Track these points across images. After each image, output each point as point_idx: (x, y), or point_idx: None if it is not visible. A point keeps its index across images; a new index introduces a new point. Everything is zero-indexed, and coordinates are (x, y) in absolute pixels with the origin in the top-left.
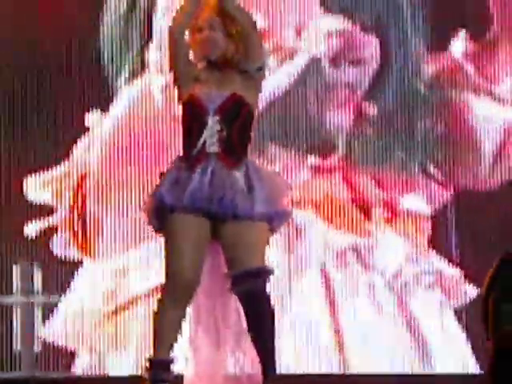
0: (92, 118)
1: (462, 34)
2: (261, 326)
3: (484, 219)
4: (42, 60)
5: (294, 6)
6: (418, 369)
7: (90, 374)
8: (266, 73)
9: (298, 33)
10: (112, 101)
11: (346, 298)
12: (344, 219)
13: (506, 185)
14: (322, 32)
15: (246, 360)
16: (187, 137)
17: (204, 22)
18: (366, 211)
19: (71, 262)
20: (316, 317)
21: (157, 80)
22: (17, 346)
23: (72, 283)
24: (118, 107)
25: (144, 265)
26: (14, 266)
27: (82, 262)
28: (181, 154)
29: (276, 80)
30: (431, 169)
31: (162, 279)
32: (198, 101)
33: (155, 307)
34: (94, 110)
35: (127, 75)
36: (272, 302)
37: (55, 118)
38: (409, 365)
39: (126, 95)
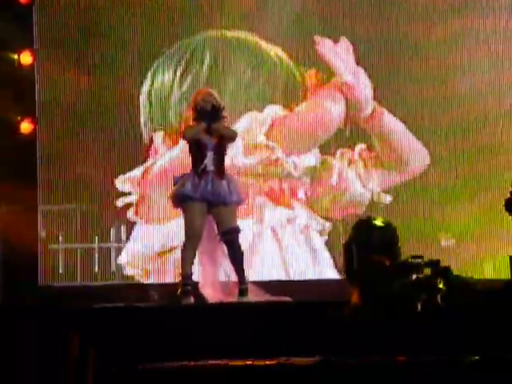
0: (157, 140)
1: None
2: (237, 257)
3: None
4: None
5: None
6: (312, 275)
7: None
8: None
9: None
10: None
11: (285, 240)
12: (279, 200)
13: None
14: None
15: (230, 273)
16: (196, 162)
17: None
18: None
19: (135, 224)
20: (271, 251)
21: None
22: (112, 267)
23: (134, 236)
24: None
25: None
26: (112, 229)
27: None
28: (188, 172)
29: None
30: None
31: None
32: (203, 143)
33: (182, 247)
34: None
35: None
36: (242, 247)
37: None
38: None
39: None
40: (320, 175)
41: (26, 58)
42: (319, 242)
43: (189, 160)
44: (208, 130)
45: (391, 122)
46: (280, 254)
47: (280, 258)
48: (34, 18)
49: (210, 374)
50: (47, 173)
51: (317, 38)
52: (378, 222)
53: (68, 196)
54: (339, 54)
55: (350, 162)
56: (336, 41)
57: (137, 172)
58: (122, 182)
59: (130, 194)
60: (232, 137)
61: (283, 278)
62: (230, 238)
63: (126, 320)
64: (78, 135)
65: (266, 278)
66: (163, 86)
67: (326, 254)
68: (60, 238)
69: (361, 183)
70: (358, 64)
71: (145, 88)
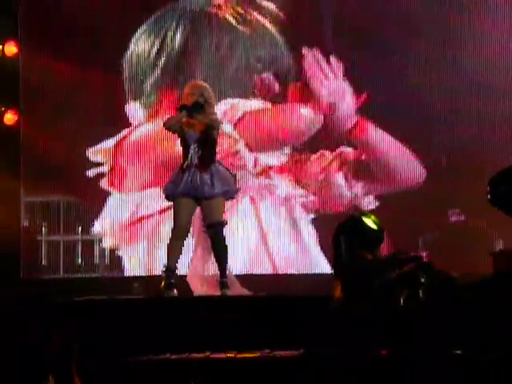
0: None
1: None
2: (219, 250)
3: None
4: None
5: None
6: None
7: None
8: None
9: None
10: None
11: (264, 210)
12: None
13: None
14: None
15: (213, 267)
16: (184, 156)
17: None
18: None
19: (108, 193)
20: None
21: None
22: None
23: (107, 205)
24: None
25: (152, 198)
26: (95, 220)
27: (111, 194)
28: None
29: None
30: None
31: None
32: (186, 137)
33: (169, 241)
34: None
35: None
36: (226, 240)
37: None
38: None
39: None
40: (311, 167)
41: (10, 49)
42: (303, 215)
43: (163, 134)
44: (189, 122)
45: (376, 136)
46: (259, 228)
47: (259, 232)
48: (19, 7)
49: (193, 367)
50: (30, 164)
51: (305, 51)
52: (368, 219)
53: (51, 187)
54: (324, 69)
55: (343, 163)
56: (327, 55)
57: (110, 142)
58: (94, 153)
59: (101, 164)
60: (213, 125)
61: (264, 256)
62: (212, 231)
63: (109, 312)
64: (61, 126)
65: (244, 255)
66: (142, 54)
67: (311, 230)
68: (43, 229)
69: (347, 185)
70: (346, 76)
71: (128, 53)
